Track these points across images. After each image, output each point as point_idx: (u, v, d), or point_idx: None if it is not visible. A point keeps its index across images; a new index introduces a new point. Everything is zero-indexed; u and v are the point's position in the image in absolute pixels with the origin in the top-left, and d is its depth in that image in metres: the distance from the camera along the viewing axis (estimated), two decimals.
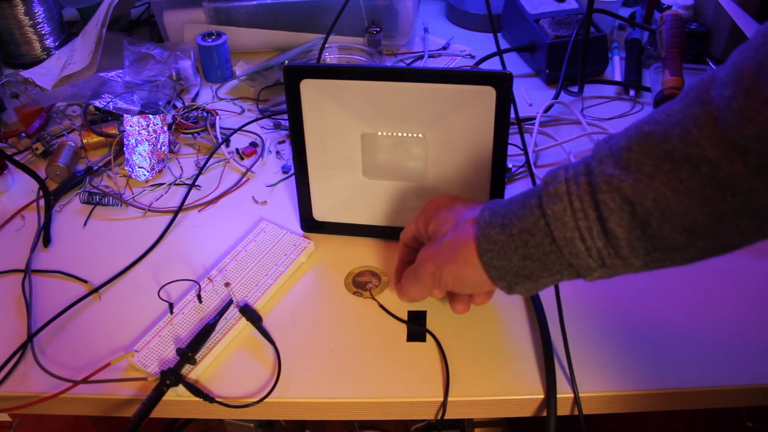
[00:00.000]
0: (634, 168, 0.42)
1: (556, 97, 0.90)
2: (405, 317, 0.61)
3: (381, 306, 0.62)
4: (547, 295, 0.60)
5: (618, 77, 0.95)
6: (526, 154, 0.64)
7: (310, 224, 0.70)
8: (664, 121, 0.42)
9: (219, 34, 0.96)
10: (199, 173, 0.79)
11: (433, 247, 0.54)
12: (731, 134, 0.38)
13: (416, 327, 0.60)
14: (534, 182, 0.65)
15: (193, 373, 0.56)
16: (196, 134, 0.86)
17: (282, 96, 0.93)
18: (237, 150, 0.83)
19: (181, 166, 0.82)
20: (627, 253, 0.44)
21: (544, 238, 0.46)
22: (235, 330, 0.60)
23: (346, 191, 0.68)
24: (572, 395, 0.55)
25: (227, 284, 0.63)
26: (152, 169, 0.79)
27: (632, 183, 0.42)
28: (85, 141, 0.83)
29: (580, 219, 0.44)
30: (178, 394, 0.55)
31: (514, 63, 1.00)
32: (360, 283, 0.65)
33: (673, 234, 0.42)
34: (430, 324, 0.61)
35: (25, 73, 0.96)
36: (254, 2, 0.99)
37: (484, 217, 0.50)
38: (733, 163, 0.38)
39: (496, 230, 0.48)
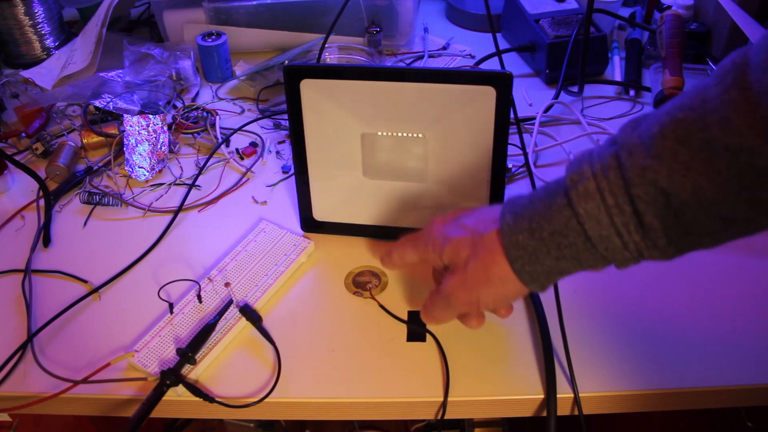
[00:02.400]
0: (668, 157, 0.40)
1: (556, 97, 0.90)
2: (405, 317, 0.61)
3: (381, 306, 0.62)
4: (547, 296, 0.60)
5: (618, 77, 0.95)
6: (525, 154, 0.64)
7: (310, 224, 0.70)
8: (700, 108, 0.40)
9: (219, 34, 0.96)
10: (199, 173, 0.79)
11: (459, 275, 0.50)
12: None
13: (416, 327, 0.60)
14: (533, 183, 0.65)
15: (193, 373, 0.56)
16: (196, 134, 0.86)
17: (282, 96, 0.93)
18: (237, 150, 0.83)
19: (181, 166, 0.82)
20: (664, 243, 0.42)
21: (577, 238, 0.44)
22: (235, 330, 0.60)
23: (346, 191, 0.68)
24: (572, 395, 0.55)
25: (227, 284, 0.63)
26: (152, 169, 0.79)
27: (667, 173, 0.40)
28: (85, 141, 0.83)
29: (615, 215, 0.42)
30: (178, 394, 0.55)
31: (514, 63, 1.00)
32: (360, 283, 0.65)
33: (708, 222, 0.41)
34: (430, 324, 0.61)
35: (25, 73, 0.96)
36: (254, 2, 0.99)
37: (507, 223, 0.47)
38: None
39: (524, 235, 0.46)
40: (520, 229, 0.46)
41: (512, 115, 0.60)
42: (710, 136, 0.39)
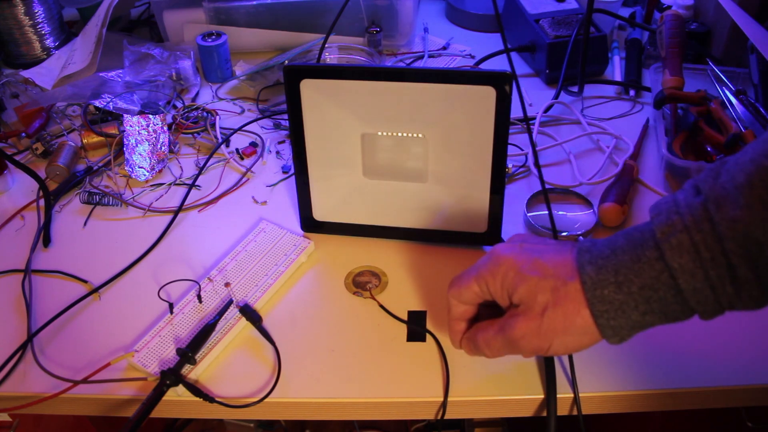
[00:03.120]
0: (758, 207, 0.39)
1: (556, 97, 0.90)
2: (405, 317, 0.61)
3: (381, 306, 0.62)
4: None
5: (618, 77, 0.95)
6: (535, 153, 0.64)
7: (310, 224, 0.70)
8: None
9: (219, 34, 0.96)
10: (199, 173, 0.79)
11: (535, 322, 0.47)
12: None
13: (416, 327, 0.60)
14: (542, 180, 0.65)
15: (193, 373, 0.56)
16: (196, 134, 0.86)
17: (282, 96, 0.93)
18: (237, 150, 0.83)
19: (181, 166, 0.82)
20: (758, 294, 0.41)
21: (668, 292, 0.43)
22: (235, 330, 0.60)
23: (346, 191, 0.68)
24: (572, 395, 0.55)
25: (227, 284, 0.63)
26: (152, 169, 0.79)
27: (760, 224, 0.39)
28: (85, 141, 0.83)
29: (710, 269, 0.41)
30: (178, 394, 0.55)
31: (515, 63, 1.00)
32: (360, 283, 0.65)
33: None
34: (430, 324, 0.61)
35: (25, 73, 0.96)
36: (254, 2, 0.99)
37: (589, 276, 0.45)
38: None
39: (610, 289, 0.44)
40: (606, 283, 0.44)
41: (520, 114, 0.60)
42: None
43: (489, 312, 0.52)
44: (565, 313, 0.46)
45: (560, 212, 0.72)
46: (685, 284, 0.42)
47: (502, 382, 0.56)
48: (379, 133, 0.64)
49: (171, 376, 0.54)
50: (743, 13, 0.82)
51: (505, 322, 0.48)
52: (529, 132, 0.65)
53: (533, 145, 0.66)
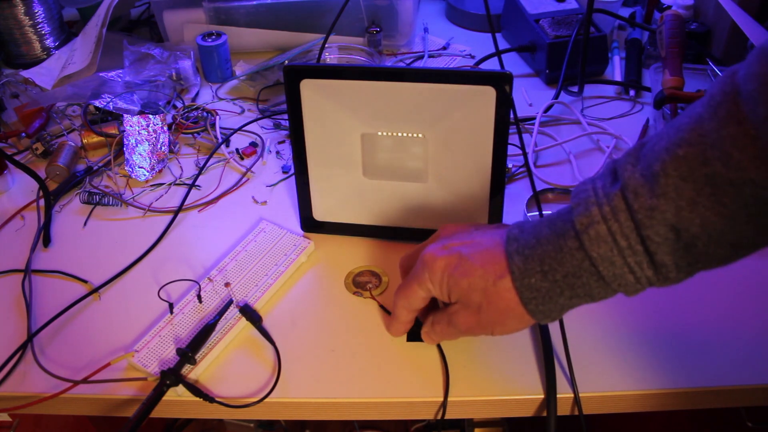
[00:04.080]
0: (673, 195, 0.41)
1: (556, 97, 0.90)
2: None
3: (381, 306, 0.62)
4: None
5: (618, 77, 0.95)
6: (525, 154, 0.64)
7: (310, 224, 0.70)
8: (698, 143, 0.40)
9: (219, 34, 0.96)
10: (199, 173, 0.79)
11: (475, 318, 0.51)
12: None
13: (416, 327, 0.60)
14: (533, 182, 0.65)
15: (193, 373, 0.56)
16: (196, 134, 0.86)
17: (282, 96, 0.93)
18: (237, 150, 0.83)
19: (181, 166, 0.82)
20: (675, 275, 0.44)
21: (590, 278, 0.45)
22: (235, 330, 0.60)
23: (346, 191, 0.68)
24: (572, 395, 0.55)
25: (227, 284, 0.63)
26: (152, 169, 0.79)
27: (675, 211, 0.41)
28: (85, 141, 0.83)
29: (628, 256, 0.43)
30: (178, 394, 0.55)
31: (514, 63, 1.00)
32: (360, 283, 0.65)
33: (718, 250, 0.42)
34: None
35: (25, 73, 0.96)
36: (254, 2, 0.99)
37: (517, 266, 0.47)
38: None
39: (536, 278, 0.47)
40: (532, 272, 0.47)
41: (520, 114, 0.60)
42: (712, 171, 0.40)
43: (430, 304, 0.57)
44: (498, 308, 0.49)
45: None
46: (606, 271, 0.44)
47: (502, 382, 0.56)
48: (379, 133, 0.64)
49: (171, 376, 0.54)
50: (743, 12, 0.82)
51: (450, 317, 0.53)
52: (520, 135, 0.65)
53: (524, 152, 0.66)
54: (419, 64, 1.00)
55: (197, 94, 0.95)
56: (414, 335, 0.60)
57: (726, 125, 0.39)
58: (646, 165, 0.43)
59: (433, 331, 0.55)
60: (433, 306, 0.57)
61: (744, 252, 0.43)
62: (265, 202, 0.76)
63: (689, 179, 0.41)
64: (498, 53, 0.78)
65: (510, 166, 0.78)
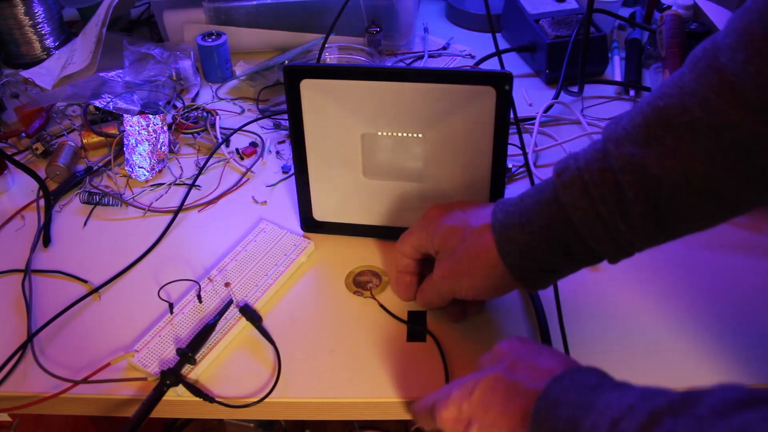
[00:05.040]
0: (655, 144, 0.42)
1: (556, 97, 0.90)
2: (405, 317, 0.61)
3: (381, 306, 0.62)
4: (546, 295, 0.60)
5: (618, 77, 0.95)
6: (525, 154, 0.64)
7: (310, 224, 0.70)
8: (678, 94, 0.41)
9: (219, 34, 0.96)
10: (199, 173, 0.79)
11: (448, 263, 0.53)
12: (751, 96, 0.38)
13: (416, 327, 0.60)
14: (533, 182, 0.65)
15: (193, 373, 0.56)
16: (196, 134, 0.86)
17: (282, 96, 0.93)
18: (237, 150, 0.83)
19: (181, 166, 0.82)
20: (654, 231, 0.43)
21: (565, 231, 0.45)
22: (235, 330, 0.60)
23: (346, 191, 0.68)
24: None
25: (227, 284, 0.63)
26: (152, 169, 0.79)
27: (656, 159, 0.41)
28: (85, 141, 0.83)
29: (599, 204, 0.43)
30: (178, 394, 0.55)
31: (514, 63, 1.00)
32: (360, 283, 0.65)
33: (701, 202, 0.42)
34: (430, 324, 0.61)
35: (25, 73, 0.96)
36: (254, 2, 0.99)
37: (498, 220, 0.49)
38: (757, 124, 0.39)
39: (515, 230, 0.47)
40: (512, 225, 0.48)
41: (512, 115, 0.61)
42: (692, 117, 0.41)
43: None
44: (470, 255, 0.50)
45: None
46: (578, 221, 0.45)
47: None
48: (379, 133, 0.64)
49: (171, 376, 0.54)
50: (728, 13, 0.82)
51: (432, 272, 0.55)
52: (520, 135, 0.65)
53: (524, 152, 0.66)
54: (419, 64, 1.00)
55: (197, 94, 0.95)
56: (414, 335, 0.60)
57: (704, 74, 0.40)
58: (628, 119, 0.44)
59: (421, 290, 0.59)
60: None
61: (729, 209, 0.43)
62: (265, 202, 0.76)
63: (670, 128, 0.41)
64: (498, 53, 0.78)
65: (510, 166, 0.78)
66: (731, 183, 0.41)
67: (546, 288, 0.51)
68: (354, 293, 0.64)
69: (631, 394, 0.36)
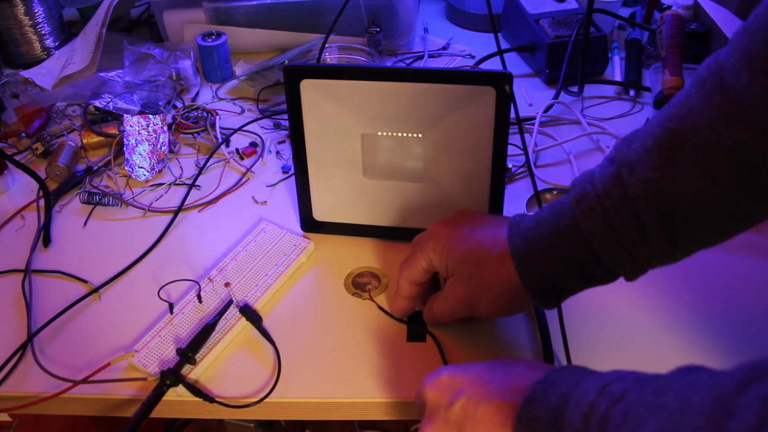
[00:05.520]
0: (667, 166, 0.42)
1: (556, 97, 0.90)
2: (404, 318, 0.61)
3: (380, 308, 0.62)
4: None
5: (618, 77, 0.95)
6: (527, 154, 0.64)
7: (310, 224, 0.70)
8: (687, 116, 0.42)
9: (219, 34, 0.96)
10: (199, 173, 0.79)
11: (465, 289, 0.52)
12: (759, 117, 0.38)
13: (416, 327, 0.60)
14: (533, 182, 0.65)
15: (193, 373, 0.56)
16: (196, 134, 0.86)
17: (282, 96, 0.93)
18: (237, 150, 0.83)
19: (181, 166, 0.82)
20: (671, 250, 0.44)
21: (585, 256, 0.46)
22: (235, 330, 0.60)
23: (346, 191, 0.68)
24: None
25: (227, 284, 0.63)
26: (152, 169, 0.79)
27: (669, 182, 0.42)
28: (85, 141, 0.83)
29: (620, 232, 0.44)
30: (178, 394, 0.55)
31: (514, 63, 1.00)
32: (360, 284, 0.65)
33: (714, 221, 0.43)
34: (430, 325, 0.60)
35: (25, 73, 0.96)
36: (254, 2, 0.99)
37: (517, 246, 0.49)
38: (766, 144, 0.39)
39: (535, 258, 0.48)
40: (531, 251, 0.48)
41: (513, 115, 0.60)
42: (702, 138, 0.41)
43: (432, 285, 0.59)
44: (490, 280, 0.50)
45: None
46: (600, 247, 0.45)
47: None
48: (379, 133, 0.64)
49: (171, 376, 0.54)
50: (728, 13, 0.82)
51: (445, 291, 0.54)
52: (522, 135, 0.65)
53: (526, 152, 0.66)
54: (419, 64, 1.00)
55: (197, 94, 0.95)
56: (414, 335, 0.60)
57: (712, 95, 0.41)
58: (640, 143, 0.44)
59: (430, 309, 0.57)
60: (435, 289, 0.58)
61: (741, 224, 0.43)
62: (265, 202, 0.76)
63: (681, 150, 0.42)
64: (500, 52, 0.78)
65: (510, 166, 0.78)
66: (743, 201, 0.42)
67: (556, 306, 0.52)
68: (353, 294, 0.64)
69: (625, 371, 0.39)
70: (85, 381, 0.56)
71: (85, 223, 0.74)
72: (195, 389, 0.55)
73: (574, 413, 0.37)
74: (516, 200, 0.73)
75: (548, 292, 0.49)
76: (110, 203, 0.76)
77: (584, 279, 0.48)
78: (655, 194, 0.42)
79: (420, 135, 0.63)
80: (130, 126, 0.80)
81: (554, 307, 0.51)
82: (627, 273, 0.46)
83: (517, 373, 0.43)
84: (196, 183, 0.78)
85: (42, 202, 0.75)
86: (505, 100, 0.59)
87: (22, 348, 0.59)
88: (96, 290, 0.65)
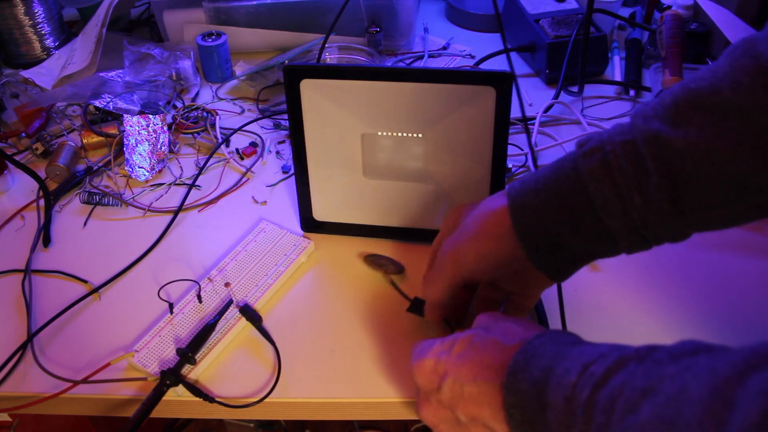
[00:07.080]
0: (682, 122, 0.42)
1: (556, 97, 0.90)
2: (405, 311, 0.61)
3: (392, 284, 0.63)
4: (548, 295, 0.60)
5: (618, 77, 0.95)
6: (533, 152, 0.64)
7: (310, 224, 0.70)
8: (710, 77, 0.42)
9: (219, 34, 0.96)
10: (199, 173, 0.79)
11: (456, 236, 0.51)
12: None
13: (419, 299, 0.60)
14: None
15: (193, 373, 0.56)
16: (196, 134, 0.86)
17: (282, 96, 0.93)
18: (237, 150, 0.83)
19: (181, 166, 0.82)
20: (669, 210, 0.42)
21: (580, 198, 0.44)
22: (235, 330, 0.60)
23: (346, 191, 0.68)
24: None
25: (227, 284, 0.63)
26: (152, 169, 0.79)
27: (682, 136, 0.41)
28: (85, 141, 0.83)
29: (617, 176, 0.43)
30: (178, 394, 0.55)
31: (514, 63, 1.00)
32: (378, 263, 0.65)
33: (722, 189, 0.41)
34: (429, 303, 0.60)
35: (25, 73, 0.96)
36: (254, 2, 0.99)
37: (514, 187, 0.49)
38: None
39: (529, 196, 0.47)
40: (526, 191, 0.47)
41: (519, 114, 0.60)
42: (722, 98, 0.40)
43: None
44: (480, 215, 0.49)
45: None
46: (594, 190, 0.44)
47: None
48: (379, 133, 0.64)
49: (171, 376, 0.54)
50: (728, 12, 0.82)
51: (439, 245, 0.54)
52: (528, 134, 0.65)
53: (533, 152, 0.66)
54: (419, 64, 1.00)
55: (197, 94, 0.95)
56: (415, 307, 0.60)
57: (739, 59, 0.40)
58: (659, 101, 0.44)
59: (425, 277, 0.55)
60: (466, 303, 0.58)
61: (751, 201, 0.42)
62: (265, 202, 0.76)
63: (699, 108, 0.41)
64: (506, 51, 0.77)
65: (510, 166, 0.78)
66: (756, 168, 0.40)
67: (551, 270, 0.49)
68: (369, 266, 0.65)
69: (605, 345, 0.40)
70: (85, 381, 0.56)
71: (85, 223, 0.74)
72: (195, 389, 0.55)
73: (556, 393, 0.37)
74: None
75: (537, 238, 0.47)
76: (110, 203, 0.76)
77: (576, 230, 0.45)
78: (665, 145, 0.42)
79: (420, 135, 0.63)
80: (130, 126, 0.80)
81: (542, 268, 0.48)
82: (620, 232, 0.44)
83: (497, 346, 0.43)
84: (196, 183, 0.78)
85: (42, 202, 0.75)
86: (505, 100, 0.59)
87: (22, 348, 0.59)
88: (96, 290, 0.65)
